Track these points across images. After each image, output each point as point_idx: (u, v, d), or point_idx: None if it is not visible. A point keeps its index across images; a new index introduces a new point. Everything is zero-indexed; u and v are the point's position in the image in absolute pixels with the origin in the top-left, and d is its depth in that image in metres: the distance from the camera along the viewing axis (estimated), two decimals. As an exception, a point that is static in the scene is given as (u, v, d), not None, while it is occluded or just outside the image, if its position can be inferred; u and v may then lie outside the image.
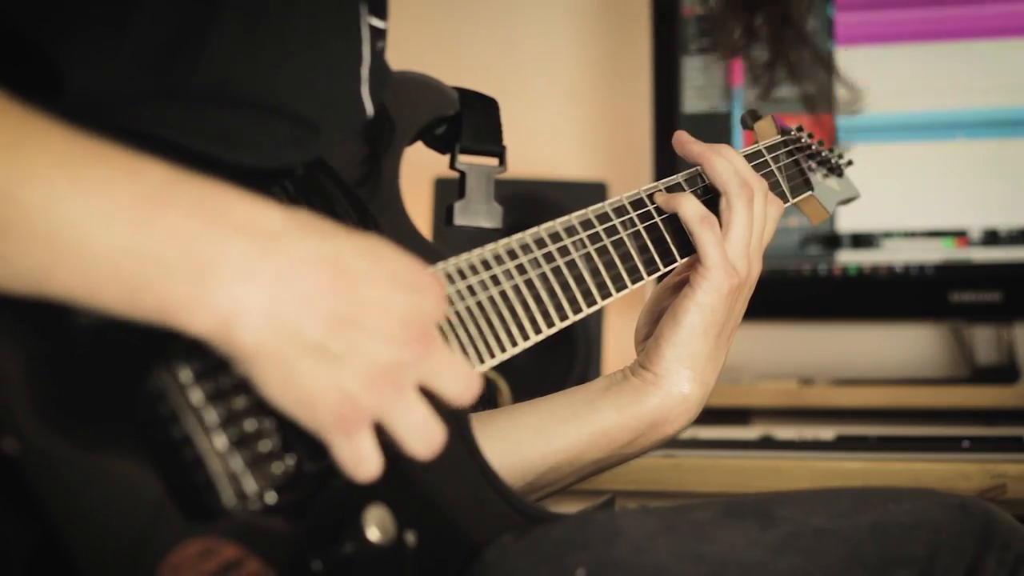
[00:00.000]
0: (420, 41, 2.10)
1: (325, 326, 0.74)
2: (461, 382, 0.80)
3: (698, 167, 1.09)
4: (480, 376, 0.82)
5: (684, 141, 1.09)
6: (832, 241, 1.85)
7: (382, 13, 0.98)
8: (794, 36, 1.16)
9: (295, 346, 0.73)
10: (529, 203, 1.82)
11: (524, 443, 1.05)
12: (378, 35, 0.97)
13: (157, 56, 0.80)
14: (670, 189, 1.07)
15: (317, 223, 0.76)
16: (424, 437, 0.78)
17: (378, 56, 0.97)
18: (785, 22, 1.16)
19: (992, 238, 1.80)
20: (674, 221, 1.06)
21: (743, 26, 1.17)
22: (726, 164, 1.07)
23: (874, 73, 1.84)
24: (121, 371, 0.74)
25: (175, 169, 0.73)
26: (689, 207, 1.05)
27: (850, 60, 1.85)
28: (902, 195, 1.83)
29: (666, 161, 1.86)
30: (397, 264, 0.79)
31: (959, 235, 1.81)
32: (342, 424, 0.75)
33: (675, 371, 1.05)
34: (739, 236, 1.05)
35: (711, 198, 1.08)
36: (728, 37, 1.19)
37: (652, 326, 1.09)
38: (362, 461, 0.76)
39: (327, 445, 0.76)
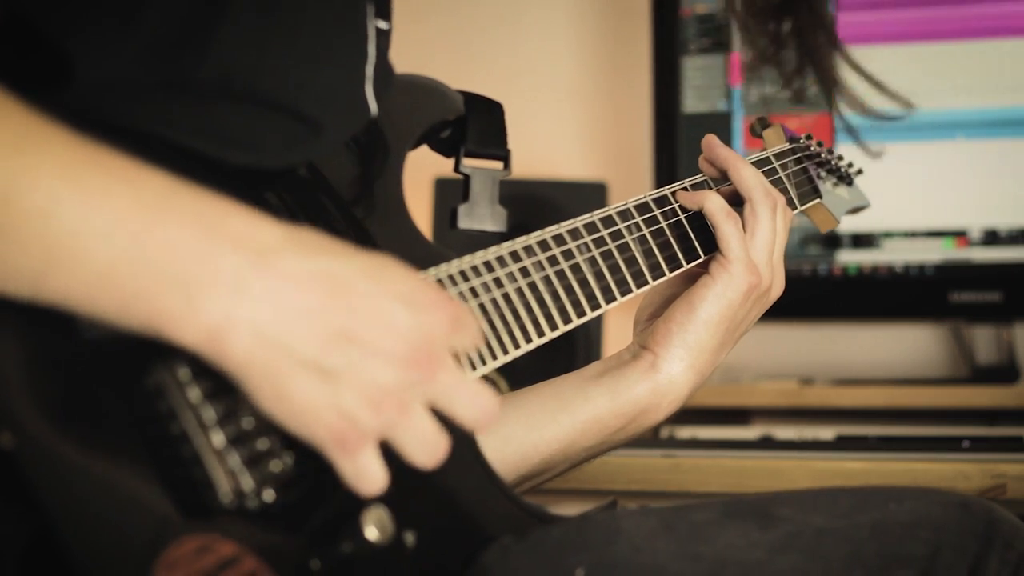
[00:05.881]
0: (421, 41, 2.10)
1: (319, 342, 0.73)
2: (477, 406, 0.79)
3: (704, 176, 1.10)
4: (492, 390, 0.80)
5: (714, 144, 1.10)
6: (832, 241, 1.85)
7: (387, 15, 0.98)
8: (826, 41, 1.16)
9: (287, 361, 0.72)
10: (529, 203, 1.82)
11: (515, 438, 1.05)
12: (383, 36, 0.97)
13: (165, 48, 0.80)
14: (687, 190, 1.07)
15: (316, 239, 0.76)
16: (430, 450, 0.77)
17: (382, 55, 0.97)
18: (818, 27, 1.15)
19: (992, 238, 1.80)
20: (680, 227, 1.06)
21: (770, 35, 1.17)
22: (754, 171, 1.08)
23: (874, 73, 1.84)
24: (119, 367, 0.73)
25: (174, 178, 0.72)
26: (715, 201, 1.05)
27: (850, 60, 1.85)
28: (902, 195, 1.82)
29: (666, 161, 1.86)
30: (402, 282, 0.77)
31: (959, 235, 1.81)
32: (341, 443, 0.74)
33: (677, 356, 1.04)
34: (764, 241, 1.06)
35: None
36: (754, 45, 1.18)
37: (657, 307, 1.09)
38: (365, 478, 0.76)
39: (329, 460, 0.75)
